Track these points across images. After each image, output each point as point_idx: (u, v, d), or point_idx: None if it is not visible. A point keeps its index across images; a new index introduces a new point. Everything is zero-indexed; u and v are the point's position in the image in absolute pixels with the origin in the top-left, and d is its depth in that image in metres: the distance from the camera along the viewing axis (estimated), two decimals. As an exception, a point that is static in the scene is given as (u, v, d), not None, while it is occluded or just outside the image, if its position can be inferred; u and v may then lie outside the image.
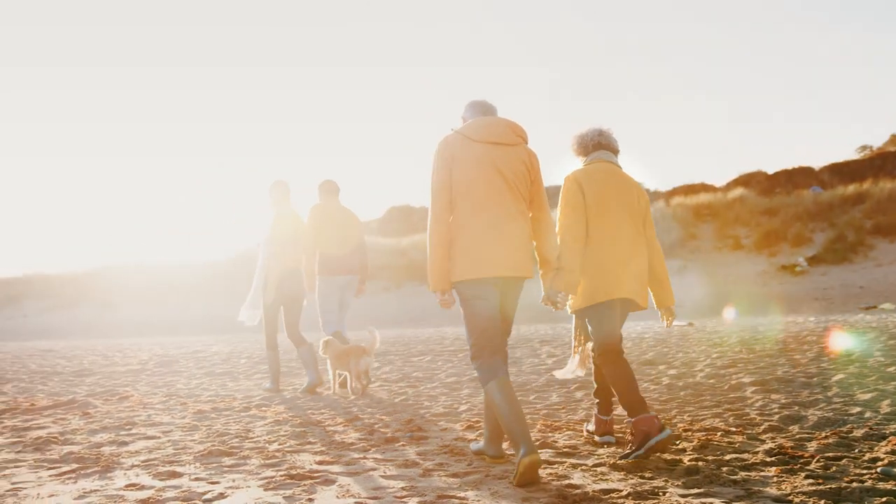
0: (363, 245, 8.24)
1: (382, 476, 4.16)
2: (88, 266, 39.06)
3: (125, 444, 5.26)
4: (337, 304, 8.12)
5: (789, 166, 42.45)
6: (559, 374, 5.36)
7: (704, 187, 40.39)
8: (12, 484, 4.19)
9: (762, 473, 3.96)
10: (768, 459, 4.22)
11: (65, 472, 4.42)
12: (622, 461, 4.34)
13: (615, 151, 4.92)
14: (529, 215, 4.48)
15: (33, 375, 10.32)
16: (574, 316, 4.95)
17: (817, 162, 42.24)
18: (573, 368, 5.19)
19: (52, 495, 3.92)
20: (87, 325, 28.78)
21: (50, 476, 4.35)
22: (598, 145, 4.87)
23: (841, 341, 9.82)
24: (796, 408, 5.68)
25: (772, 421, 5.26)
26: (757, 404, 5.94)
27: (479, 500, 3.64)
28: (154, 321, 27.73)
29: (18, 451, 5.09)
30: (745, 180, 41.08)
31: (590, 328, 4.78)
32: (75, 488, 4.05)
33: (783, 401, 6.00)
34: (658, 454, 4.42)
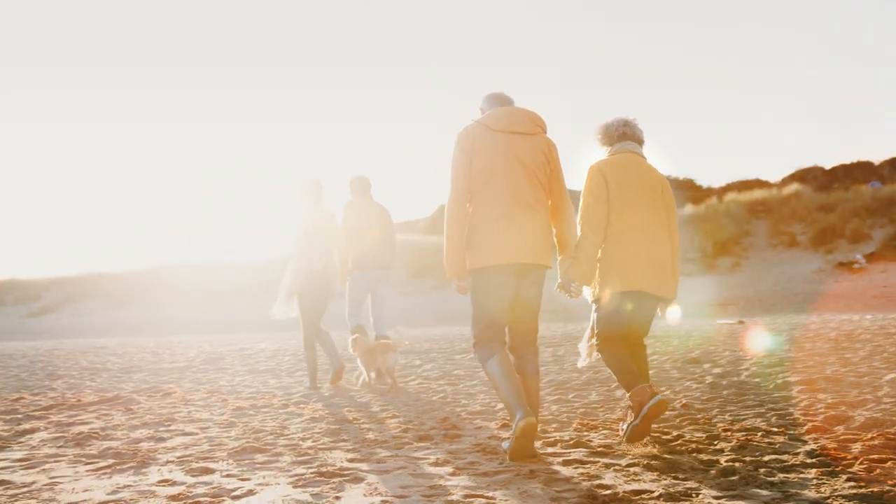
0: (394, 240, 8.36)
1: (412, 474, 4.14)
2: (144, 265, 39.88)
3: (163, 440, 5.33)
4: (365, 298, 8.32)
5: (847, 161, 41.45)
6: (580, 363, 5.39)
7: (759, 183, 39.66)
8: (50, 478, 4.26)
9: (801, 475, 3.84)
10: (809, 461, 4.09)
11: (101, 468, 4.48)
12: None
13: (640, 142, 4.87)
14: (549, 203, 4.49)
15: (83, 372, 10.54)
16: (594, 306, 4.94)
17: (877, 156, 41.15)
18: (583, 356, 5.24)
19: (86, 490, 3.98)
20: (142, 323, 29.37)
21: (87, 471, 4.42)
22: (623, 136, 4.82)
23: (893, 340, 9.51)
24: (843, 408, 5.50)
25: (816, 421, 5.10)
26: (802, 404, 5.77)
27: (506, 500, 3.59)
28: (206, 319, 28.18)
29: (60, 446, 5.18)
30: (802, 176, 40.27)
31: (595, 316, 4.84)
32: (109, 483, 4.10)
33: (830, 400, 5.81)
34: (693, 453, 4.34)
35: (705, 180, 42.35)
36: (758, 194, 33.11)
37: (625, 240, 4.63)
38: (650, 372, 7.60)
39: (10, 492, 3.98)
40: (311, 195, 8.06)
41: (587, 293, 4.84)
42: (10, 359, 13.50)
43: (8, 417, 6.48)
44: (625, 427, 4.95)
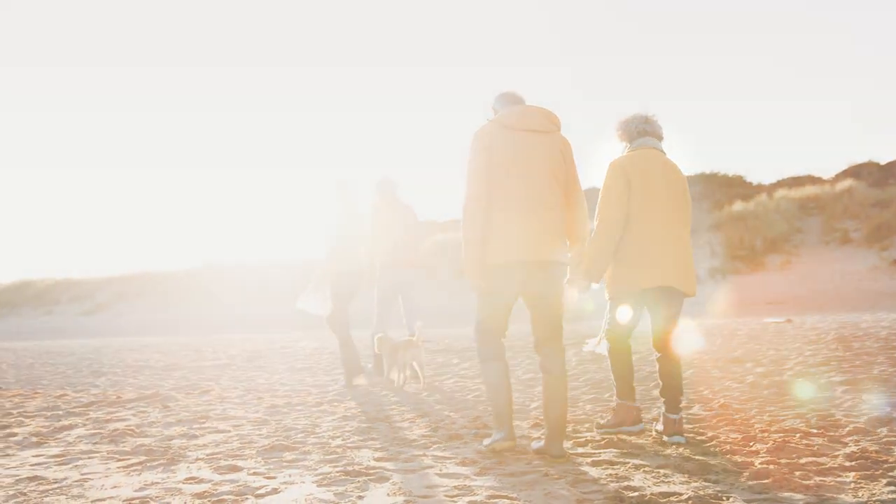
0: (418, 241, 8.40)
1: (437, 474, 4.10)
2: (193, 264, 40.46)
3: (195, 437, 5.36)
4: (392, 298, 8.37)
5: (904, 155, 40.27)
6: (587, 347, 5.45)
7: (811, 179, 38.76)
8: (81, 474, 4.32)
9: (839, 479, 3.70)
10: (847, 464, 3.95)
11: (132, 464, 4.52)
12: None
13: (660, 138, 4.82)
14: (563, 202, 4.48)
15: (126, 369, 10.70)
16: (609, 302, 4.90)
17: (935, 150, 39.91)
18: (595, 343, 5.28)
19: (114, 486, 4.02)
20: (191, 321, 29.79)
21: (118, 468, 4.46)
22: (643, 132, 4.77)
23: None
24: (888, 409, 5.31)
25: (858, 423, 4.93)
26: (845, 405, 5.59)
27: (531, 500, 3.52)
28: (252, 316, 28.48)
29: (95, 443, 5.25)
30: (855, 171, 39.20)
31: (608, 312, 4.85)
32: (138, 480, 4.14)
33: (875, 402, 5.62)
34: (727, 455, 4.24)
35: (755, 177, 41.35)
36: (810, 190, 32.39)
37: (649, 236, 4.57)
38: (689, 373, 7.46)
39: (42, 487, 4.04)
40: (341, 194, 8.07)
41: (598, 289, 4.83)
42: (58, 356, 13.79)
43: (49, 414, 6.60)
44: (659, 427, 4.86)
